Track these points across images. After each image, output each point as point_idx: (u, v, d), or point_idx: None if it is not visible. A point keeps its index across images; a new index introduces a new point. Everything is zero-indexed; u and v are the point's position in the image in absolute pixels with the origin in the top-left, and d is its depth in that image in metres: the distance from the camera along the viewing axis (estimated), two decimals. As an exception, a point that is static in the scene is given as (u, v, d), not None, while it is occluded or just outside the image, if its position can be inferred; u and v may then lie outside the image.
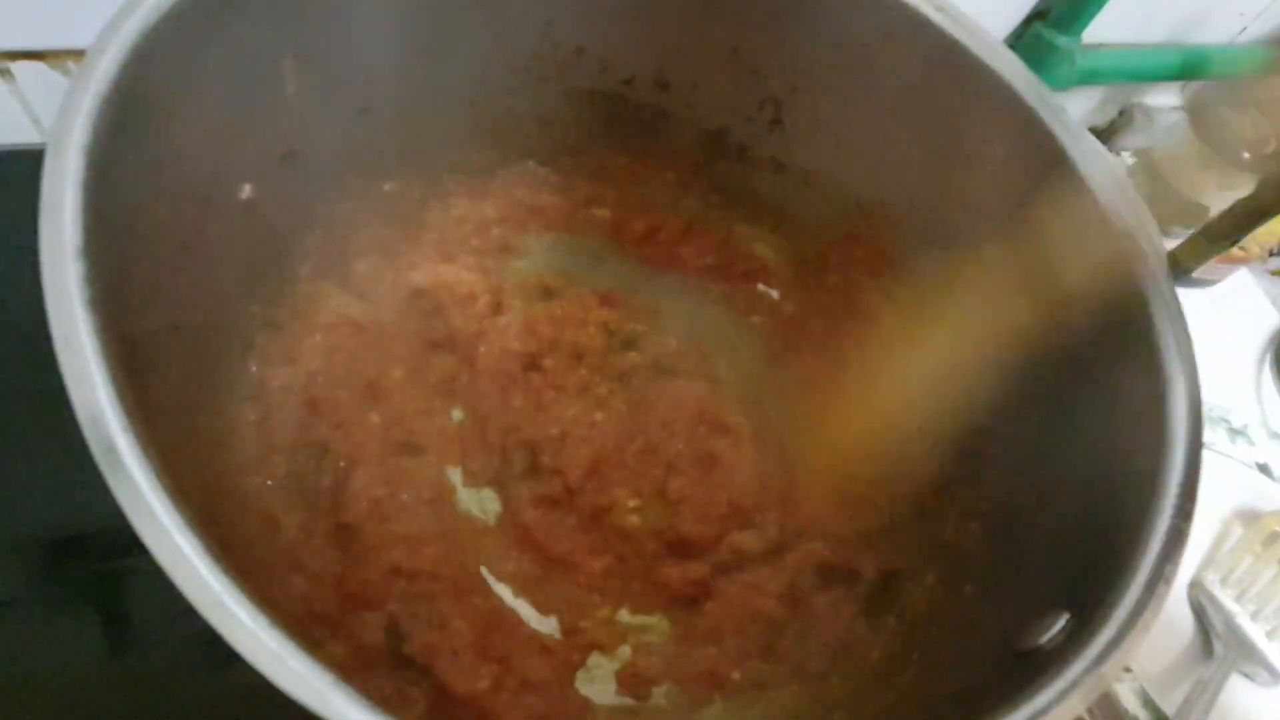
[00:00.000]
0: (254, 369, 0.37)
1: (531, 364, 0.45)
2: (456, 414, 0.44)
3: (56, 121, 0.23)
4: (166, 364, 0.28)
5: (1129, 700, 0.49)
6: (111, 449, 0.19)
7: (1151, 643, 0.53)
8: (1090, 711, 0.47)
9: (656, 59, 0.43)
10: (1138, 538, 0.27)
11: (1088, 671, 0.24)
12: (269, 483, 0.35)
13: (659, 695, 0.39)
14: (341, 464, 0.38)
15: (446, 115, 0.42)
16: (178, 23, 0.27)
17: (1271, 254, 0.78)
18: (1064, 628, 0.26)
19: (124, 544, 0.36)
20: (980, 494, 0.37)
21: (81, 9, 0.35)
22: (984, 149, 0.38)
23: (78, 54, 0.44)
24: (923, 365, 0.41)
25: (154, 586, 0.36)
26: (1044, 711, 0.23)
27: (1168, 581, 0.25)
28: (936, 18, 0.36)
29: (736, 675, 0.38)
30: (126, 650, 0.36)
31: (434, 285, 0.44)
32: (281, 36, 0.33)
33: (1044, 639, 0.26)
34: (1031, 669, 0.25)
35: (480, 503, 0.43)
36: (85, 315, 0.21)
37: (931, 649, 0.32)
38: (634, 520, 0.42)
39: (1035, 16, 0.66)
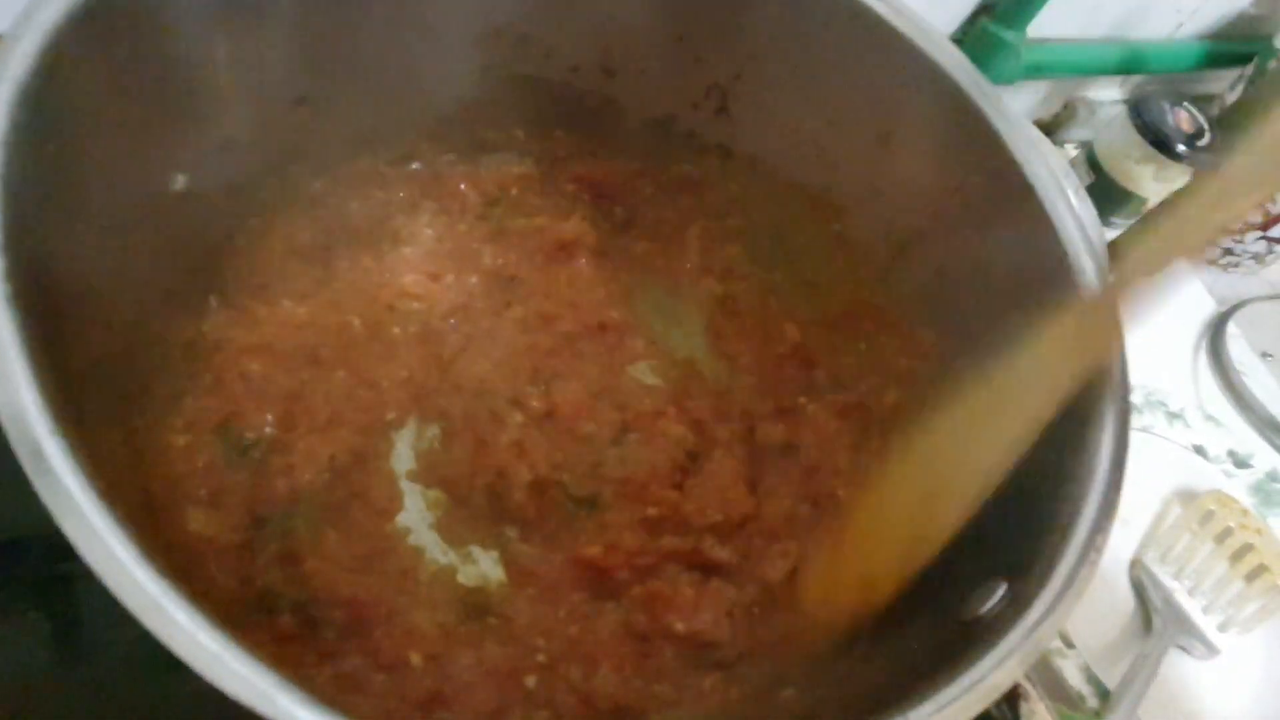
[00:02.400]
0: (191, 360, 0.37)
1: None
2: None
3: (-29, 112, 0.23)
4: (99, 362, 0.27)
5: (1073, 675, 0.50)
6: (38, 453, 0.19)
7: (1094, 619, 0.55)
8: (1033, 684, 0.49)
9: (602, 46, 0.43)
10: (1071, 510, 0.28)
11: (1024, 637, 0.25)
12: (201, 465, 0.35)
13: None
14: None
15: (388, 104, 0.42)
16: (100, 8, 0.26)
17: (1207, 243, 0.81)
18: (1003, 597, 0.27)
19: (70, 547, 0.36)
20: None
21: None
22: (923, 136, 0.39)
23: None
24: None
25: (102, 590, 0.35)
26: (984, 678, 0.23)
27: (1099, 550, 0.26)
28: (877, 7, 0.37)
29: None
30: (74, 656, 0.35)
31: (378, 273, 0.44)
32: (213, 24, 0.32)
33: (985, 608, 0.27)
34: (974, 637, 0.26)
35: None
36: (6, 311, 0.20)
37: (882, 624, 0.33)
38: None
39: (982, 11, 0.67)
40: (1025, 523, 0.29)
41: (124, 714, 0.34)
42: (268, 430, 0.37)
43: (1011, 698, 0.45)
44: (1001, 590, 0.27)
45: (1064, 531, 0.27)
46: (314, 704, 0.18)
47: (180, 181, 0.34)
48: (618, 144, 0.46)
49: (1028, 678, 0.48)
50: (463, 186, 0.46)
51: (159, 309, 0.35)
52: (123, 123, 0.29)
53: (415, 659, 0.34)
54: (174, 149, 0.33)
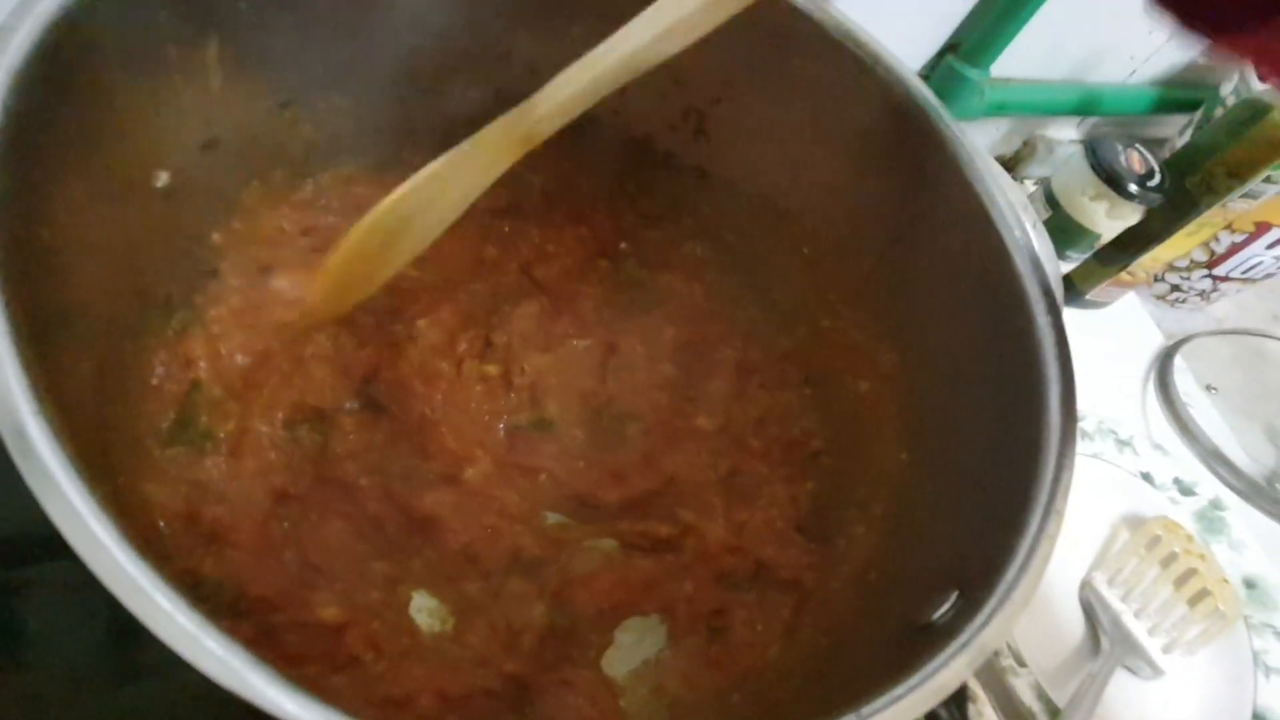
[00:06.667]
0: (165, 355, 0.37)
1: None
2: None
3: (-35, 97, 0.23)
4: (77, 349, 0.27)
5: (1025, 693, 0.51)
6: (22, 433, 0.19)
7: (1046, 639, 0.56)
8: (982, 688, 0.50)
9: (584, 65, 0.44)
10: (1017, 523, 0.29)
11: (972, 639, 0.26)
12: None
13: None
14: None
15: (373, 113, 0.42)
16: (98, 3, 0.27)
17: (1157, 279, 0.84)
18: (954, 604, 0.28)
19: (16, 555, 0.35)
20: (880, 494, 0.40)
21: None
22: (891, 165, 0.40)
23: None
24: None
25: (49, 599, 0.35)
26: (933, 676, 0.24)
27: (1042, 560, 0.27)
28: (848, 43, 0.38)
29: None
30: (19, 666, 0.34)
31: None
32: (206, 24, 0.33)
33: (936, 615, 0.28)
34: (926, 641, 0.27)
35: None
36: (-7, 295, 0.20)
37: (840, 631, 0.34)
38: None
39: (948, 49, 0.70)
40: (977, 536, 0.31)
41: (68, 727, 0.33)
42: (231, 424, 0.37)
43: (960, 700, 0.46)
44: (953, 598, 0.29)
45: (1010, 542, 0.28)
46: (284, 683, 0.18)
47: (163, 179, 0.34)
48: (598, 163, 0.47)
49: (977, 679, 0.49)
50: None
51: (133, 304, 0.35)
52: (115, 116, 0.29)
53: (369, 658, 0.35)
54: (158, 146, 0.33)
